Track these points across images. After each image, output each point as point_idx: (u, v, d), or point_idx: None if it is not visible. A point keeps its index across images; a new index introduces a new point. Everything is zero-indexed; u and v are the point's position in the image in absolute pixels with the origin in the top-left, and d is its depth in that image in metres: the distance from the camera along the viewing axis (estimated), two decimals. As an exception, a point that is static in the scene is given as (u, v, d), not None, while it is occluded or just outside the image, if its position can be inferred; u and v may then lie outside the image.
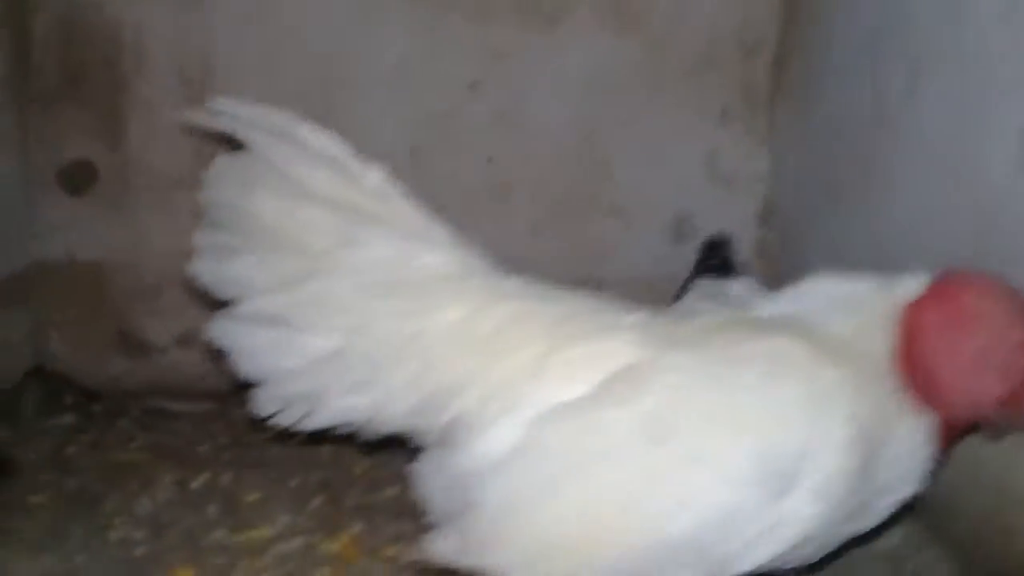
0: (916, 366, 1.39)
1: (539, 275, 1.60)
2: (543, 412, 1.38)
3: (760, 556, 1.35)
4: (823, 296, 1.47)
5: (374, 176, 1.52)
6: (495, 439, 1.39)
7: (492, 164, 2.94)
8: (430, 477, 1.48)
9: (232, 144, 1.53)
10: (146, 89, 2.75)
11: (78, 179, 2.78)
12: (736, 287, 1.53)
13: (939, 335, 1.38)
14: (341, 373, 1.45)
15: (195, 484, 2.13)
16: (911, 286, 1.43)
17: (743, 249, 2.77)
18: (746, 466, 1.32)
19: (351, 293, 1.45)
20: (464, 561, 1.42)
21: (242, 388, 1.81)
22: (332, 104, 2.81)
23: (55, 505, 2.03)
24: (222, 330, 1.46)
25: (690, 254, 2.73)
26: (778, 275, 1.57)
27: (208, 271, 1.46)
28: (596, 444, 1.36)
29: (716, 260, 2.52)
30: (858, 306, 1.44)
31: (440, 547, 1.44)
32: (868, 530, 1.47)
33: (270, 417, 1.48)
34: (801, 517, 1.32)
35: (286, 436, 2.26)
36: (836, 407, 1.33)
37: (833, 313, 1.44)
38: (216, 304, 1.50)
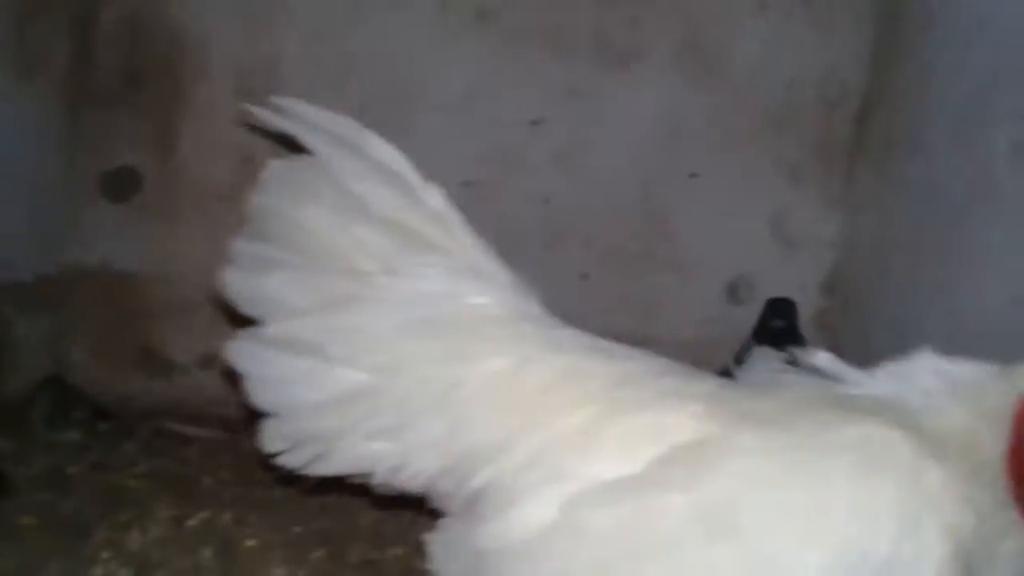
0: None
1: (585, 327, 1.43)
2: (587, 489, 1.19)
3: None
4: (929, 379, 1.26)
5: (436, 199, 1.39)
6: (529, 515, 1.20)
7: (547, 206, 2.80)
8: (448, 550, 1.29)
9: (287, 150, 1.41)
10: (204, 98, 2.67)
11: (122, 186, 2.71)
12: (820, 358, 1.31)
13: None
14: (367, 415, 1.30)
15: (192, 522, 1.97)
16: None
17: (802, 318, 2.58)
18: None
19: (391, 327, 1.31)
20: None
21: (256, 419, 1.65)
22: (391, 127, 2.71)
23: (44, 529, 1.88)
24: (242, 351, 1.32)
25: (745, 317, 2.57)
26: (838, 351, 1.38)
27: (240, 282, 1.33)
28: (644, 534, 1.17)
29: (780, 324, 2.34)
30: (971, 396, 1.23)
31: None
32: None
33: (277, 455, 1.34)
34: None
35: (294, 478, 2.12)
36: (937, 515, 1.12)
37: (941, 401, 1.23)
38: (240, 322, 1.36)
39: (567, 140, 2.75)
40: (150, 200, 2.69)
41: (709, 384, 1.33)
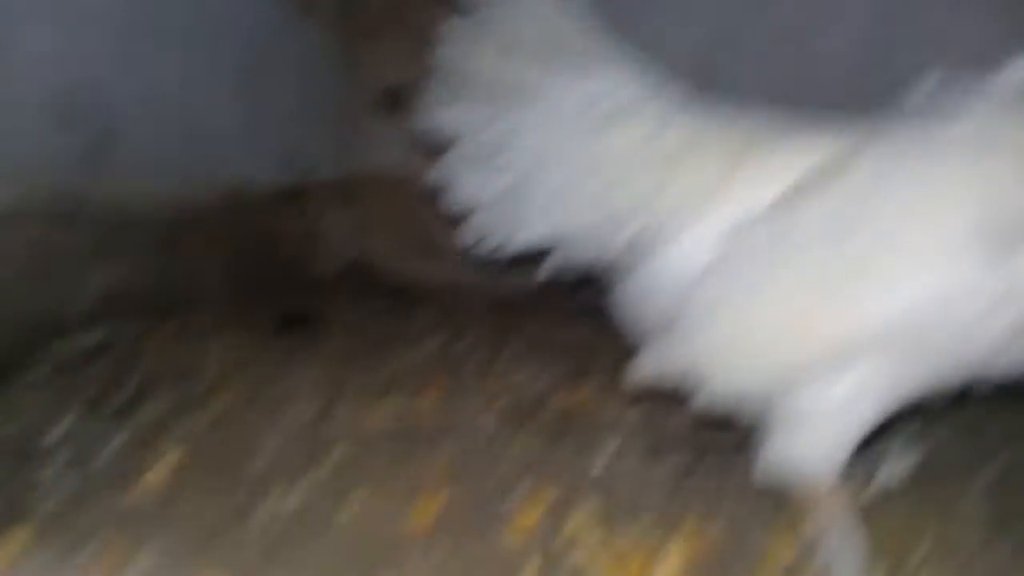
0: None
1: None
2: (737, 213, 1.38)
3: (994, 333, 1.23)
4: None
5: (573, 18, 1.61)
6: (688, 248, 1.43)
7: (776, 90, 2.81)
8: (629, 297, 1.54)
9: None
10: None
11: (391, 103, 3.19)
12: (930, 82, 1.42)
13: None
14: (531, 195, 1.58)
15: (455, 348, 2.50)
16: None
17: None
18: (961, 224, 1.21)
19: (542, 121, 1.57)
20: (670, 374, 1.46)
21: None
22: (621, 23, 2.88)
23: (332, 358, 2.37)
24: (443, 170, 1.66)
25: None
26: None
27: (435, 116, 1.66)
28: (794, 235, 1.32)
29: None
30: None
31: (647, 365, 1.50)
32: None
33: (477, 244, 1.66)
34: None
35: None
36: None
37: None
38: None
39: (794, 15, 2.75)
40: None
41: (837, 123, 1.44)
